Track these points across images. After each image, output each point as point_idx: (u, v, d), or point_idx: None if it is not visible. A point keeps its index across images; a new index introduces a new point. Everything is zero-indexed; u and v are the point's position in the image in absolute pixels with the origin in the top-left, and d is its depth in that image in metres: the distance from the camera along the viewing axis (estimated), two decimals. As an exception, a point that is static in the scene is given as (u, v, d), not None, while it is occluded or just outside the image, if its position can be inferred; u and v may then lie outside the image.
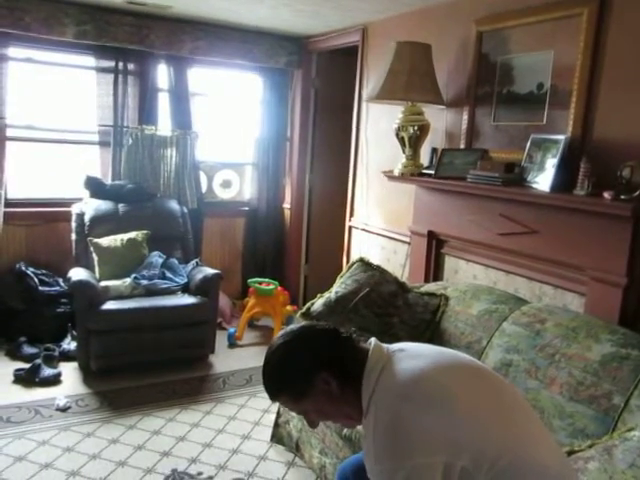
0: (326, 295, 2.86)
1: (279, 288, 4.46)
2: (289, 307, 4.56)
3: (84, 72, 4.32)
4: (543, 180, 2.54)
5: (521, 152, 2.75)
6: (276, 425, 2.88)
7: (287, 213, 5.15)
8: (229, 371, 3.71)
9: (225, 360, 3.89)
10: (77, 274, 3.56)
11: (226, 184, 5.05)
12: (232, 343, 4.19)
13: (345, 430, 2.25)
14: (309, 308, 2.83)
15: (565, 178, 2.47)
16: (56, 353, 3.61)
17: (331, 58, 4.81)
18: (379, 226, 3.99)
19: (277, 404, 2.86)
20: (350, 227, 4.35)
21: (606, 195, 2.25)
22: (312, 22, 4.15)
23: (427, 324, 2.77)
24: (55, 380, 3.38)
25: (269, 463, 2.72)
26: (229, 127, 5.02)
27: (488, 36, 3.01)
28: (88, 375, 3.48)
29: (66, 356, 3.65)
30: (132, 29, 4.13)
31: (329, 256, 4.77)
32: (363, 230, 4.18)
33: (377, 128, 3.98)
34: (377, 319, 2.74)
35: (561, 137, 2.52)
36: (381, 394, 1.32)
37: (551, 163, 2.53)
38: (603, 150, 2.45)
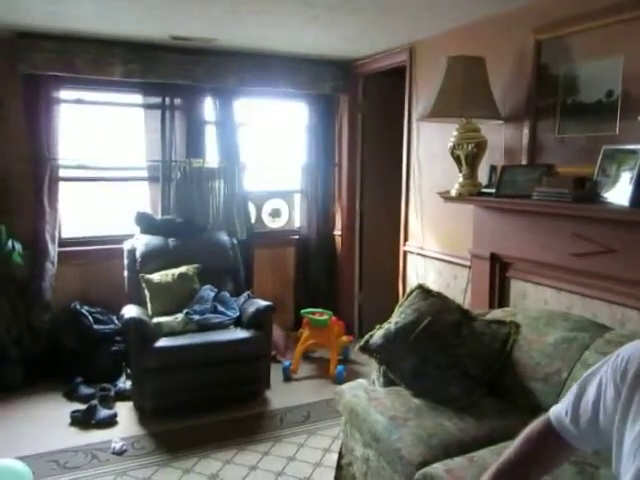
0: (385, 326, 2.70)
1: (333, 318, 4.31)
2: (345, 337, 4.40)
3: (132, 109, 4.38)
4: (620, 194, 2.31)
5: (590, 166, 2.53)
6: (339, 467, 2.69)
7: (338, 240, 5.03)
8: (286, 407, 3.56)
9: (281, 395, 3.74)
10: (129, 311, 3.52)
11: (275, 213, 4.98)
12: (287, 377, 4.04)
13: (417, 475, 2.05)
14: (367, 341, 2.68)
15: (646, 191, 2.24)
16: (112, 393, 3.57)
17: (377, 80, 4.70)
18: (435, 250, 3.80)
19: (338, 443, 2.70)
20: (405, 252, 4.17)
21: (697, 208, 2.02)
22: (357, 45, 4.07)
23: (497, 355, 2.55)
24: (111, 421, 3.32)
25: (333, 509, 2.55)
26: (276, 156, 4.97)
27: (547, 45, 2.83)
28: (143, 415, 3.41)
29: (122, 396, 3.60)
30: (178, 64, 4.15)
31: (384, 283, 4.59)
32: (419, 255, 4.00)
33: (429, 148, 3.82)
34: (441, 351, 2.56)
35: (640, 147, 2.30)
36: None
37: (628, 176, 2.30)
38: (688, 158, 2.22)
